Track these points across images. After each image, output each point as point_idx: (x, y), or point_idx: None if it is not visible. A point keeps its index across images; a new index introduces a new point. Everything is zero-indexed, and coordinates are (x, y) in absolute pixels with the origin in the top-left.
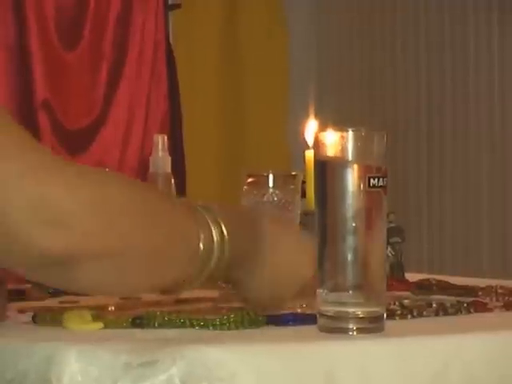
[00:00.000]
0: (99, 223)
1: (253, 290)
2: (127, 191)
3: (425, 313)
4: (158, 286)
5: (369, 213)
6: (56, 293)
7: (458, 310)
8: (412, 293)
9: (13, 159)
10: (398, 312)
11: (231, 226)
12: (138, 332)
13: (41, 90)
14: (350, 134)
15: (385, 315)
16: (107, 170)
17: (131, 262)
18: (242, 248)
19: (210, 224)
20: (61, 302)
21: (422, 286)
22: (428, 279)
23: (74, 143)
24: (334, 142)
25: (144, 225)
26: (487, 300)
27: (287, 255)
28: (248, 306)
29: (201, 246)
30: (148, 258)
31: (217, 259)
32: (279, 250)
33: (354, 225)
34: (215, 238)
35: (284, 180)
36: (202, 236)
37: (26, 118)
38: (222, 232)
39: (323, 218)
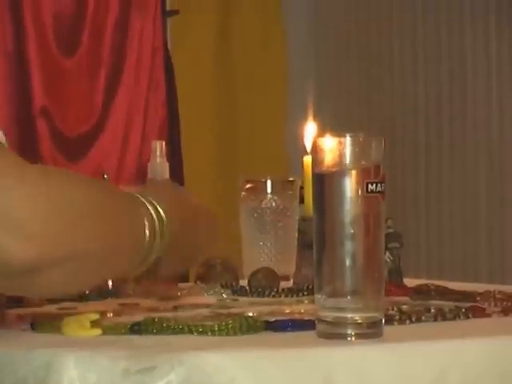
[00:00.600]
0: (60, 230)
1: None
2: (82, 192)
3: (423, 318)
4: (108, 278)
5: (367, 218)
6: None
7: (456, 315)
8: (410, 298)
9: None
10: (397, 317)
11: (168, 211)
12: (136, 338)
13: (39, 97)
14: (348, 139)
15: (383, 320)
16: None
17: (89, 263)
18: (175, 231)
19: (152, 211)
20: (59, 309)
21: (421, 292)
22: (426, 284)
23: (72, 150)
24: (332, 147)
25: (99, 224)
26: (485, 305)
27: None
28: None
29: (146, 232)
30: (103, 256)
31: (159, 243)
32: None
33: (351, 230)
34: (156, 224)
35: (282, 186)
36: (146, 224)
37: (25, 124)
38: (162, 218)
39: (321, 224)
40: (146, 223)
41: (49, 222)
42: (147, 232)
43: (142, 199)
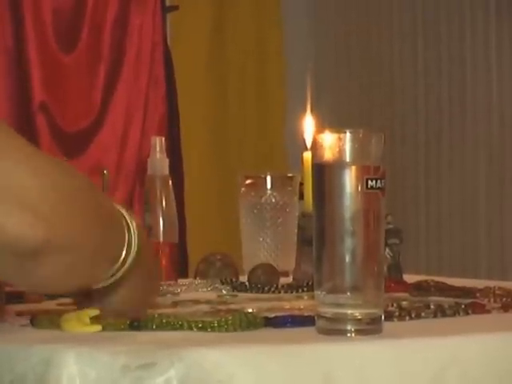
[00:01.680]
0: (66, 218)
1: (121, 301)
2: (86, 187)
3: (423, 314)
4: (91, 280)
5: (366, 214)
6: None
7: (456, 311)
8: (410, 294)
9: None
10: (396, 313)
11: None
12: (136, 334)
13: (38, 93)
14: (348, 135)
15: (383, 317)
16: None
17: (82, 258)
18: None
19: (130, 225)
20: (59, 305)
21: (420, 288)
22: (426, 281)
23: (71, 146)
24: (332, 143)
25: (96, 222)
26: (485, 301)
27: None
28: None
29: (125, 243)
30: (94, 254)
31: (132, 257)
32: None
33: (351, 227)
34: (133, 238)
35: (282, 182)
36: (126, 234)
37: (24, 120)
38: (135, 234)
39: (321, 220)
40: (126, 234)
41: (58, 208)
42: (126, 243)
43: (122, 211)
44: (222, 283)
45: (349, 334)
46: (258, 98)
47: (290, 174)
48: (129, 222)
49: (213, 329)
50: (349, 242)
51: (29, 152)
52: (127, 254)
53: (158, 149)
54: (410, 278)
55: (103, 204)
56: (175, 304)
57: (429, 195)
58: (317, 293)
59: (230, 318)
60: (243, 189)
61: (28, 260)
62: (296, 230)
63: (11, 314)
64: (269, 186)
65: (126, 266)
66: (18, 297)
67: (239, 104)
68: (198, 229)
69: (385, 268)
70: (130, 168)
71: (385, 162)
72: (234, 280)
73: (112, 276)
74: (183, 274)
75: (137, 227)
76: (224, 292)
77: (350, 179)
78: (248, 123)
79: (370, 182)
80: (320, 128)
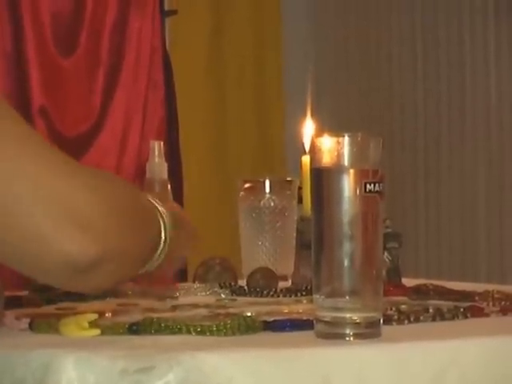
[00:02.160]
0: (117, 226)
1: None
2: (127, 192)
3: (422, 318)
4: (130, 277)
5: (365, 218)
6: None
7: (454, 315)
8: (409, 298)
9: (28, 160)
10: (395, 317)
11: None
12: (134, 338)
13: (37, 97)
14: (346, 139)
15: (381, 320)
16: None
17: (125, 261)
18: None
19: (162, 214)
20: (57, 309)
21: (419, 291)
22: (425, 284)
23: (70, 150)
24: (330, 147)
25: (135, 225)
26: (484, 305)
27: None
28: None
29: (162, 235)
30: (134, 255)
31: (165, 246)
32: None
33: (350, 230)
34: (164, 227)
35: (280, 186)
36: (162, 226)
37: None
38: (166, 221)
39: (320, 224)
40: (162, 226)
41: (109, 221)
42: (162, 234)
43: (154, 202)
44: (221, 287)
45: (347, 338)
46: (257, 101)
47: (288, 178)
48: (160, 211)
49: (211, 333)
50: (347, 246)
51: (75, 167)
52: (164, 242)
53: (156, 153)
54: (408, 281)
55: (143, 204)
56: (174, 308)
57: (428, 199)
58: (315, 297)
59: (229, 322)
60: (242, 193)
61: (83, 273)
62: (295, 234)
63: (10, 318)
64: (267, 189)
65: (162, 254)
66: (17, 301)
67: (238, 108)
68: (197, 233)
69: (384, 272)
70: (129, 172)
71: (384, 166)
72: (232, 284)
73: (152, 264)
74: (182, 277)
75: (167, 213)
76: (223, 296)
77: (348, 183)
78: (247, 127)
79: (368, 185)
80: (319, 132)
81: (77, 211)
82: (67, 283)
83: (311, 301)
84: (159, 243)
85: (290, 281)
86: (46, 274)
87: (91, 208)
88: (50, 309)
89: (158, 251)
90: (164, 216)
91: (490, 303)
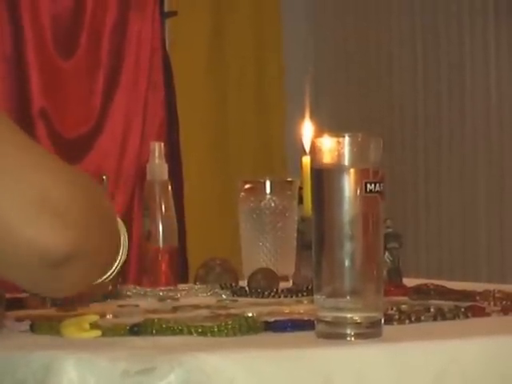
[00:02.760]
0: (89, 223)
1: None
2: (102, 195)
3: (423, 318)
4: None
5: (366, 218)
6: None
7: (455, 314)
8: (410, 298)
9: (10, 155)
10: (396, 317)
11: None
12: (135, 339)
13: (38, 99)
14: (347, 139)
15: (382, 320)
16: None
17: (97, 261)
18: None
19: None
20: (58, 310)
21: (420, 291)
22: (426, 284)
23: (71, 152)
24: (331, 147)
25: (106, 225)
26: (485, 304)
27: None
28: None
29: (121, 241)
30: (105, 256)
31: (123, 254)
32: None
33: (350, 230)
34: (122, 238)
35: (281, 186)
36: (121, 232)
37: (23, 126)
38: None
39: (320, 224)
40: (122, 236)
41: (84, 213)
42: (122, 240)
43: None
44: (222, 288)
45: (348, 338)
46: (258, 102)
47: (289, 179)
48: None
49: (213, 333)
50: (348, 246)
51: (53, 160)
52: (124, 249)
53: (156, 154)
54: (409, 281)
55: (111, 210)
56: (175, 309)
57: (428, 199)
58: (316, 297)
59: (230, 322)
60: (242, 193)
61: (55, 267)
62: (295, 235)
63: (11, 319)
64: (268, 190)
65: (119, 264)
66: (18, 303)
67: (238, 109)
68: (198, 234)
69: (384, 272)
70: (129, 173)
71: (384, 166)
72: (233, 285)
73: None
74: (183, 279)
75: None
76: (224, 297)
77: (348, 183)
78: (247, 128)
79: (368, 185)
80: (319, 132)
81: (53, 200)
82: (38, 281)
83: (312, 301)
84: (118, 253)
85: (290, 281)
86: (16, 270)
87: (70, 199)
88: (50, 310)
89: (117, 261)
90: (122, 227)
91: (491, 303)
